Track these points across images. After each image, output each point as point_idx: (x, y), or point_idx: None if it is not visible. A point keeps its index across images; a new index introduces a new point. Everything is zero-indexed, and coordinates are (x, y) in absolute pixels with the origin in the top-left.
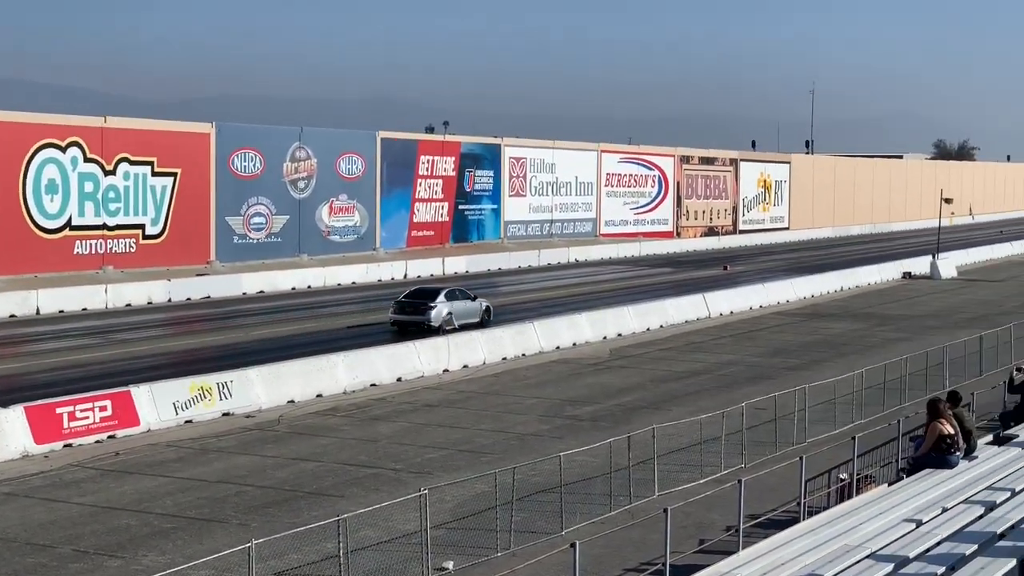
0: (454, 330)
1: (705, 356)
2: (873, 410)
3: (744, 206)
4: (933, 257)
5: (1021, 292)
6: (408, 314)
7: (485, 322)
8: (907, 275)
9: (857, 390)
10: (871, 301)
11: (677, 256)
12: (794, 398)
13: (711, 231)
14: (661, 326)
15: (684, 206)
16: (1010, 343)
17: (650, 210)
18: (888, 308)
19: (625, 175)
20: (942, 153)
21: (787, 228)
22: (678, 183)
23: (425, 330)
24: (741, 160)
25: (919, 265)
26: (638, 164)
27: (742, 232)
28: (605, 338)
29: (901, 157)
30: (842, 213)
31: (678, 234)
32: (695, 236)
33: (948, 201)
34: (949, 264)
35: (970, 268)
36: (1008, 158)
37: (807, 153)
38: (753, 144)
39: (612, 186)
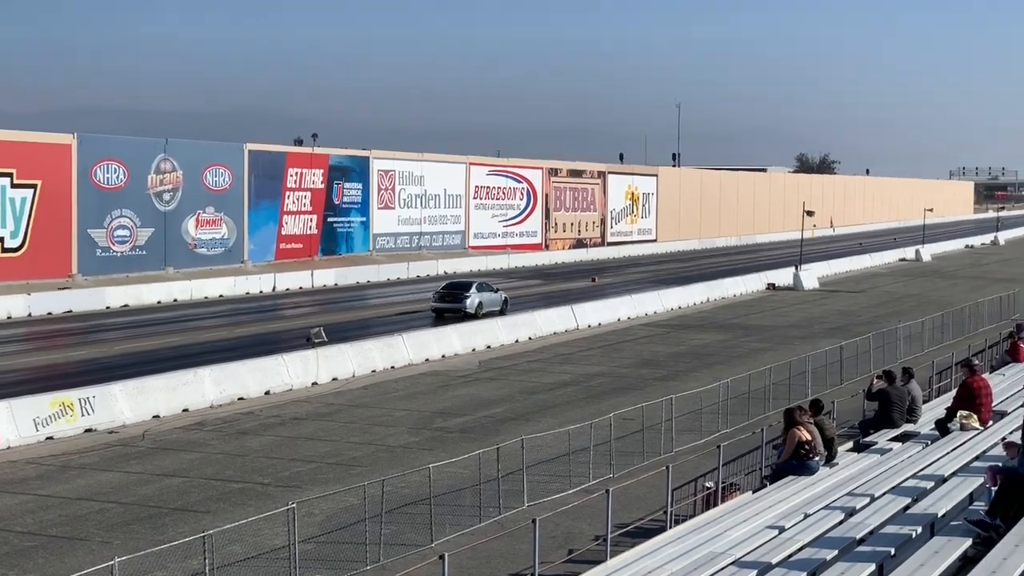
0: (485, 315)
1: (574, 367)
2: (738, 419)
3: (612, 218)
4: (796, 269)
5: (879, 303)
6: (448, 302)
7: (504, 311)
8: (771, 286)
9: (723, 400)
10: (736, 312)
11: (546, 268)
12: (661, 408)
13: (580, 243)
14: (530, 338)
15: (553, 218)
16: (869, 352)
17: (519, 222)
18: (752, 319)
19: (494, 187)
20: (804, 167)
21: (655, 240)
22: (547, 195)
23: (462, 316)
24: (609, 173)
25: (782, 276)
26: (506, 177)
27: (610, 244)
28: (474, 350)
29: (765, 170)
30: (708, 225)
31: (547, 246)
32: (564, 248)
33: (810, 214)
34: (811, 275)
35: (831, 279)
36: (867, 172)
37: (674, 166)
38: (621, 157)
39: (481, 199)
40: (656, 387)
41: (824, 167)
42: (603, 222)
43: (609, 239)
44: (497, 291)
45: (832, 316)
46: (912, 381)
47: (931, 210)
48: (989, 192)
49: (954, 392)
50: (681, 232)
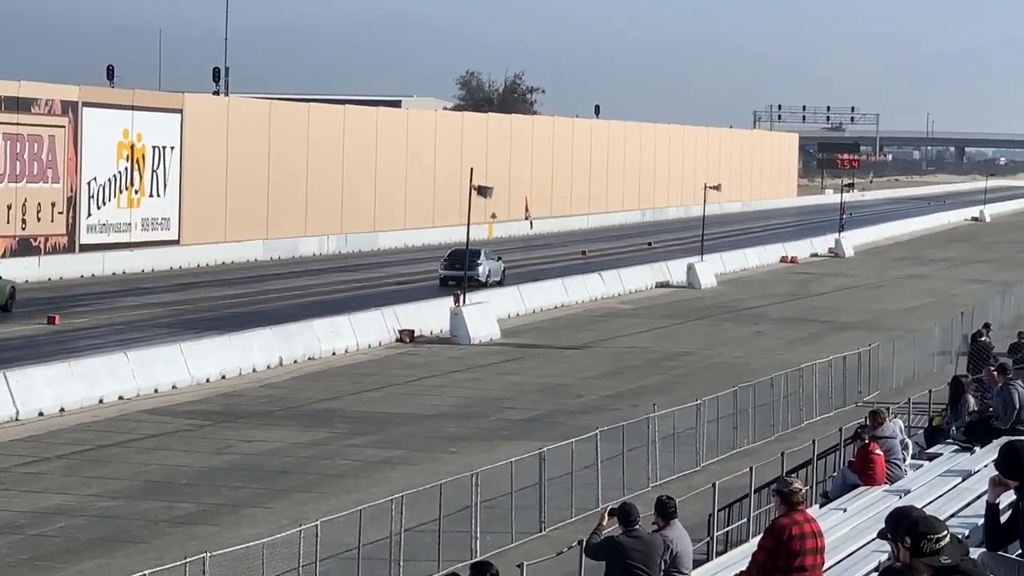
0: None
1: None
2: None
3: (91, 197)
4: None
5: (612, 371)
6: (458, 270)
7: (502, 281)
8: (405, 336)
9: None
10: (338, 386)
11: None
12: None
13: (27, 246)
14: None
15: None
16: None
17: None
18: (365, 402)
19: None
20: (474, 98)
21: (177, 241)
22: None
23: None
24: (85, 105)
25: (432, 318)
26: None
27: (86, 249)
28: None
29: (399, 103)
30: (281, 209)
31: None
32: None
33: (716, 188)
34: (487, 321)
35: (531, 321)
36: (596, 111)
37: (217, 93)
38: (110, 73)
39: None
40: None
41: (512, 101)
42: (72, 205)
43: (83, 240)
44: (499, 259)
45: (509, 398)
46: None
47: (717, 188)
48: (827, 154)
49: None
50: (229, 223)
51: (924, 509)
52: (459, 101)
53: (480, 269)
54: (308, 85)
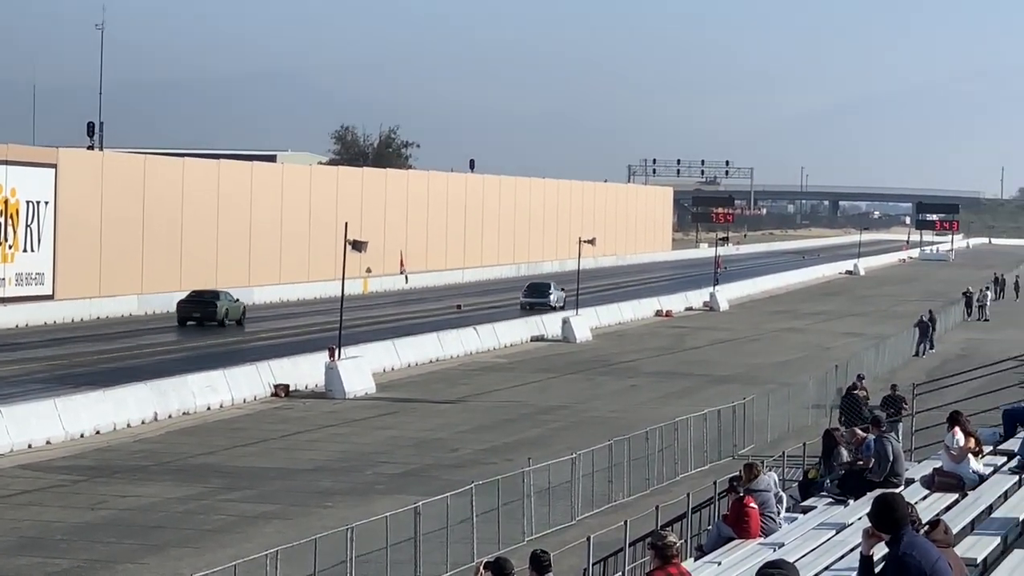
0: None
1: None
2: None
3: None
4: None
5: (493, 423)
6: (536, 298)
7: (564, 306)
8: (280, 390)
9: None
10: (212, 441)
11: None
12: None
13: None
14: None
15: None
16: None
17: None
18: (241, 457)
19: None
20: (349, 152)
21: (51, 296)
22: None
23: (548, 309)
24: None
25: (309, 372)
26: None
27: None
28: None
29: (274, 158)
30: (150, 264)
31: None
32: None
33: (591, 242)
34: (360, 371)
35: (407, 376)
36: (471, 165)
37: (91, 147)
38: None
39: None
40: None
41: (387, 155)
42: None
43: None
44: (562, 289)
45: (384, 452)
46: None
47: (592, 242)
48: (702, 208)
49: None
50: (104, 278)
51: (798, 562)
52: (334, 156)
53: (552, 297)
54: (183, 140)
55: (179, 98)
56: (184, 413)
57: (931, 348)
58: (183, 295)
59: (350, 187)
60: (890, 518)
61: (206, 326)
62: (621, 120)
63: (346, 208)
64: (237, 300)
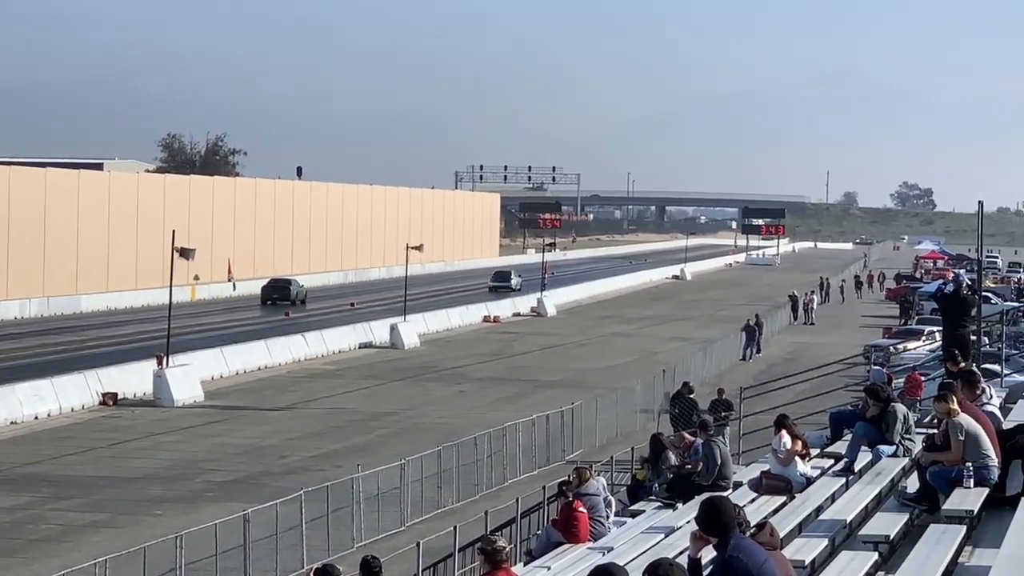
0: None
1: None
2: None
3: None
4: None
5: (322, 433)
6: (500, 282)
7: (521, 290)
8: (108, 398)
9: None
10: (38, 450)
11: None
12: None
13: None
14: None
15: None
16: None
17: None
18: (66, 465)
19: None
20: (176, 160)
21: None
22: None
23: (511, 291)
24: None
25: (137, 380)
26: None
27: None
28: None
29: (101, 166)
30: None
31: None
32: None
33: (418, 248)
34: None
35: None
36: (298, 172)
37: None
38: None
39: None
40: None
41: (215, 163)
42: None
43: None
44: (519, 276)
45: (213, 460)
46: None
47: (420, 248)
48: (529, 214)
49: None
50: None
51: (627, 566)
52: (161, 163)
53: (512, 281)
54: (8, 148)
55: (4, 106)
56: (11, 423)
57: (758, 352)
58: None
59: (177, 195)
60: (717, 521)
61: (279, 305)
62: (449, 127)
63: (174, 216)
64: (302, 285)
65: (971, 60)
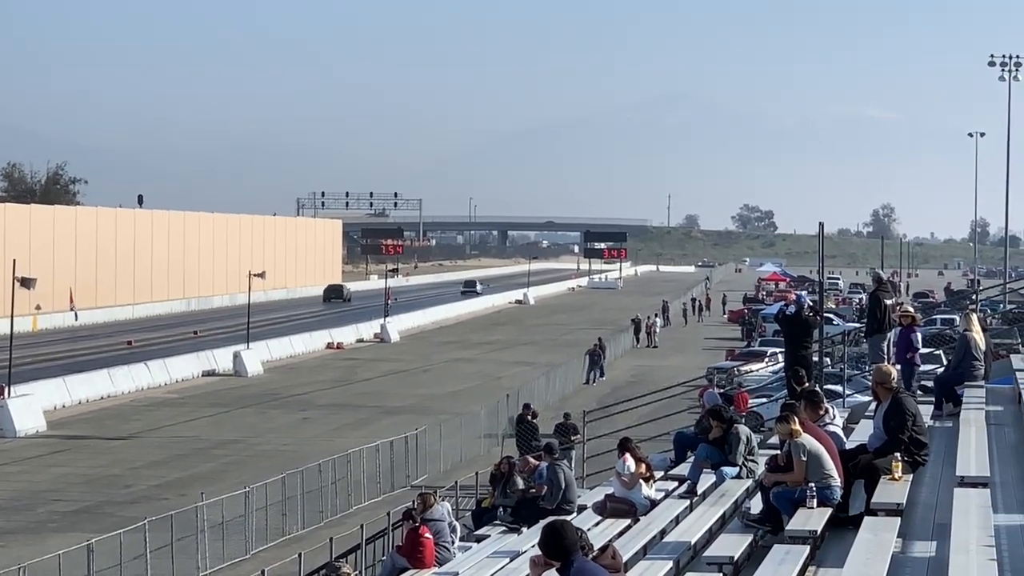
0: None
1: None
2: None
3: None
4: None
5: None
6: (469, 288)
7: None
8: None
9: None
10: None
11: None
12: None
13: None
14: None
15: None
16: None
17: None
18: None
19: None
20: (16, 189)
21: None
22: None
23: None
24: None
25: None
26: None
27: None
28: None
29: None
30: None
31: None
32: None
33: (261, 276)
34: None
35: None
36: (140, 201)
37: None
38: None
39: None
40: None
41: (55, 192)
42: None
43: None
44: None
45: (56, 490)
46: None
47: (262, 275)
48: (372, 240)
49: None
50: None
51: None
52: (1, 193)
53: (478, 287)
54: None
55: None
56: None
57: (601, 375)
58: None
59: (18, 224)
60: (559, 545)
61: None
62: (290, 153)
63: (14, 245)
64: (348, 288)
65: (800, 84)
